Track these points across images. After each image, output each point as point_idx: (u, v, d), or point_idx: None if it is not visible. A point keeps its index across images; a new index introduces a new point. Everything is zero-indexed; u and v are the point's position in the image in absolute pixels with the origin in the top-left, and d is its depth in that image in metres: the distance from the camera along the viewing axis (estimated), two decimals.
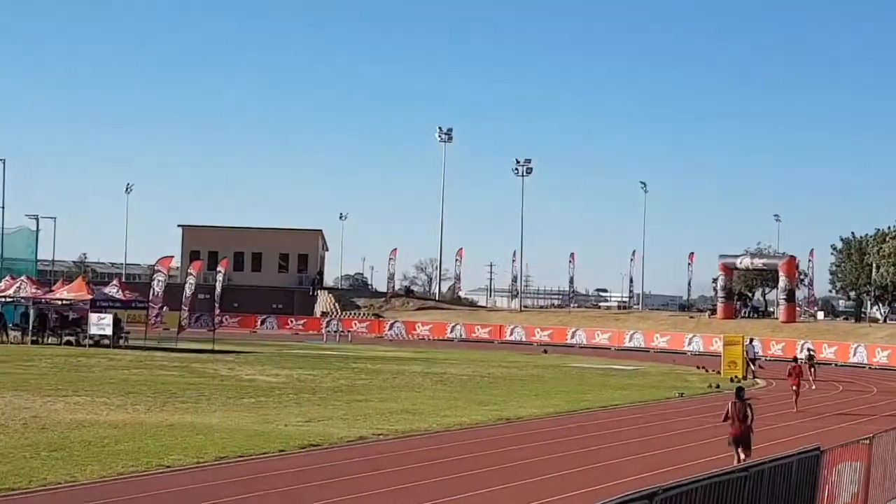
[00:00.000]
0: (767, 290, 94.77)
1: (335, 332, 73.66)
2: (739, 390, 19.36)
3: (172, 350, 49.48)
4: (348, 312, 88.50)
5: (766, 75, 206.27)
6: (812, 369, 40.80)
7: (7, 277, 56.18)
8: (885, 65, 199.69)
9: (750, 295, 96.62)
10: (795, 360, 37.00)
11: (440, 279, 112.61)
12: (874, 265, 76.18)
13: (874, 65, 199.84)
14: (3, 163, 72.03)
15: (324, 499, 15.02)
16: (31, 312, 53.20)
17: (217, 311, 58.01)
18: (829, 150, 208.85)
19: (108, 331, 50.92)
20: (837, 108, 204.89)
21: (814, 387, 39.15)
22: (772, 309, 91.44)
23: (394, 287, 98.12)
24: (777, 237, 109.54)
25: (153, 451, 18.67)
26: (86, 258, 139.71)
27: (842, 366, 58.27)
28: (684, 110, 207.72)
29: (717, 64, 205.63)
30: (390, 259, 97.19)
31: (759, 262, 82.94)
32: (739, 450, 18.21)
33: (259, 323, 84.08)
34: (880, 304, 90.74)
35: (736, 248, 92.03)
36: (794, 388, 32.71)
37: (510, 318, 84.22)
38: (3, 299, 54.08)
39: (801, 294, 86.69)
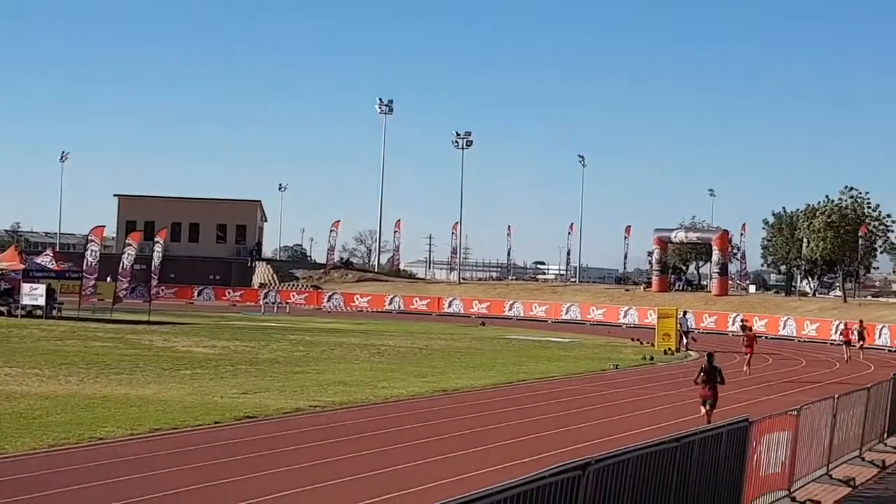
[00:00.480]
0: (701, 263, 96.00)
1: (273, 303, 73.34)
2: (710, 356, 21.44)
3: (107, 321, 48.98)
4: (287, 284, 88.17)
5: (703, 49, 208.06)
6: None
7: None
8: (818, 41, 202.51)
9: (684, 268, 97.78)
10: (749, 329, 41.53)
11: (379, 251, 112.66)
12: (804, 240, 77.44)
13: (807, 41, 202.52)
14: None
15: (258, 471, 15.01)
16: None
17: (155, 283, 57.44)
18: (763, 126, 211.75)
19: (42, 301, 50.23)
20: (771, 84, 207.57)
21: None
22: (705, 282, 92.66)
23: (333, 259, 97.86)
24: (711, 211, 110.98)
25: (86, 422, 18.50)
26: (19, 227, 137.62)
27: (772, 338, 59.25)
28: (623, 84, 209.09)
29: (655, 37, 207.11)
30: (332, 231, 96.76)
31: (693, 236, 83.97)
32: (708, 408, 20.59)
33: (196, 294, 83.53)
34: (810, 279, 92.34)
35: (671, 222, 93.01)
36: (748, 355, 36.26)
37: (449, 291, 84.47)
38: None
39: (733, 268, 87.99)
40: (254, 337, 43.41)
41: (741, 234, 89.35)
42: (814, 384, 32.99)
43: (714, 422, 16.02)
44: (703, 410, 20.67)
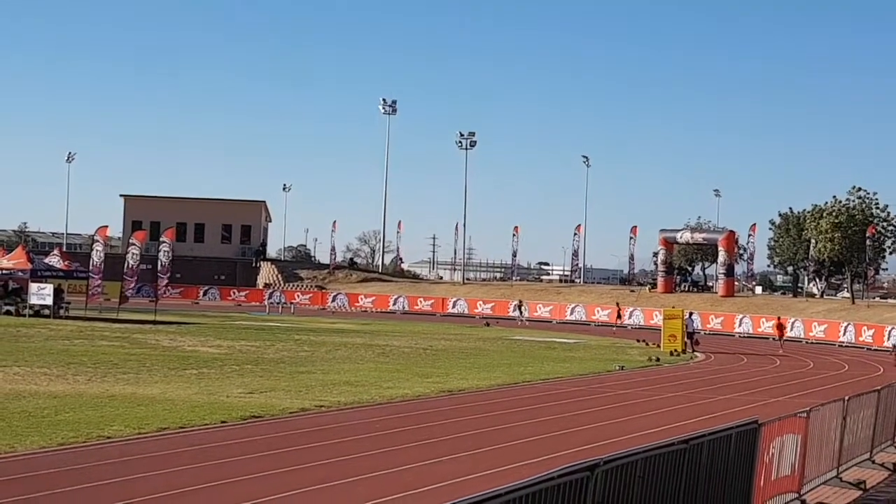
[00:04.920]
0: (707, 264, 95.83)
1: (278, 303, 73.41)
2: None
3: (114, 321, 49.08)
4: (291, 284, 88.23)
5: (707, 51, 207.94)
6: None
7: None
8: (826, 43, 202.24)
9: (690, 269, 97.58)
10: None
11: (383, 251, 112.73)
12: (812, 241, 77.27)
13: (815, 42, 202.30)
14: None
15: (264, 470, 15.01)
16: None
17: (166, 282, 57.50)
18: (768, 126, 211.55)
19: (49, 301, 50.38)
20: (777, 84, 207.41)
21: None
22: (711, 283, 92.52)
23: (335, 259, 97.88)
24: (717, 212, 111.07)
25: (93, 421, 18.52)
26: (26, 227, 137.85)
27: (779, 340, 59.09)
28: (626, 84, 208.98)
29: (659, 39, 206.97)
30: (332, 231, 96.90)
31: (699, 237, 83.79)
32: None
33: (201, 294, 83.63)
34: (817, 280, 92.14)
35: (676, 222, 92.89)
36: None
37: (453, 291, 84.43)
38: None
39: (740, 269, 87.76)
40: (259, 337, 43.45)
41: (749, 235, 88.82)
42: (823, 387, 32.92)
43: (716, 426, 15.99)
44: None
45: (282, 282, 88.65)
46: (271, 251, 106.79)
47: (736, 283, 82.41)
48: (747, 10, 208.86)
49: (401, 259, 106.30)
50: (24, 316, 49.33)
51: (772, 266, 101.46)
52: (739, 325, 63.66)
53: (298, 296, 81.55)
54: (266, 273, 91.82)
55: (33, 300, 50.62)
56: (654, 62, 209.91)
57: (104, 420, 18.76)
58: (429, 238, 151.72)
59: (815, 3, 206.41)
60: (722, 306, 71.93)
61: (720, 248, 79.11)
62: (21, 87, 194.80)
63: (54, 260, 54.71)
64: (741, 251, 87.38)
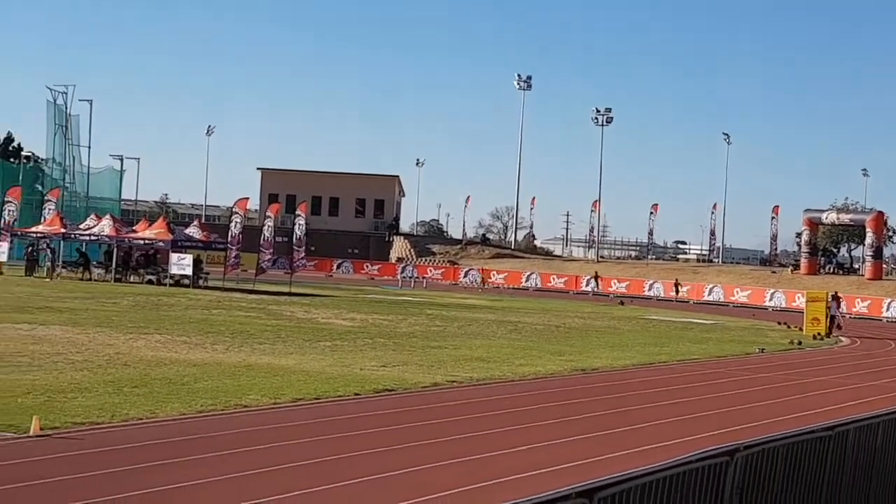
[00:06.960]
0: (853, 246, 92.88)
1: (410, 277, 73.99)
2: None
3: (250, 291, 50.09)
4: (423, 259, 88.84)
5: (854, 24, 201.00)
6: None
7: (92, 216, 57.40)
8: None
9: (835, 251, 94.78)
10: None
11: (516, 227, 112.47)
12: None
13: None
14: (91, 104, 73.19)
15: (397, 443, 15.04)
16: (115, 251, 54.27)
17: (302, 255, 58.43)
18: None
19: (189, 271, 51.71)
20: None
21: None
22: (857, 266, 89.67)
23: (467, 234, 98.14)
24: (864, 192, 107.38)
25: (231, 390, 18.85)
26: (167, 199, 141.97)
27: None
28: (770, 60, 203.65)
29: (804, 11, 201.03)
30: (464, 207, 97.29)
31: (845, 218, 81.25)
32: None
33: (335, 267, 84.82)
34: None
35: (821, 202, 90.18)
36: None
37: (586, 269, 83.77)
38: (87, 237, 55.20)
39: (888, 251, 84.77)
40: (391, 311, 43.77)
41: None
42: None
43: (863, 413, 15.38)
44: None
45: (414, 256, 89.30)
46: (404, 226, 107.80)
47: (884, 265, 79.60)
48: None
49: (534, 235, 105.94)
50: (165, 285, 50.74)
51: None
52: (887, 310, 61.48)
53: (430, 270, 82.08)
54: (399, 247, 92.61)
55: (173, 270, 52.03)
56: (799, 37, 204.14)
57: (241, 389, 19.07)
58: (561, 215, 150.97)
59: None
60: (868, 289, 69.59)
61: (868, 230, 76.55)
62: (163, 63, 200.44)
63: (194, 231, 56.15)
64: (890, 233, 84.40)
